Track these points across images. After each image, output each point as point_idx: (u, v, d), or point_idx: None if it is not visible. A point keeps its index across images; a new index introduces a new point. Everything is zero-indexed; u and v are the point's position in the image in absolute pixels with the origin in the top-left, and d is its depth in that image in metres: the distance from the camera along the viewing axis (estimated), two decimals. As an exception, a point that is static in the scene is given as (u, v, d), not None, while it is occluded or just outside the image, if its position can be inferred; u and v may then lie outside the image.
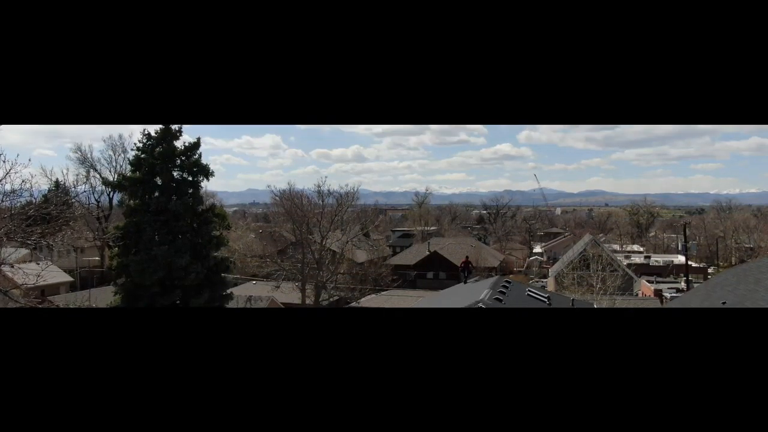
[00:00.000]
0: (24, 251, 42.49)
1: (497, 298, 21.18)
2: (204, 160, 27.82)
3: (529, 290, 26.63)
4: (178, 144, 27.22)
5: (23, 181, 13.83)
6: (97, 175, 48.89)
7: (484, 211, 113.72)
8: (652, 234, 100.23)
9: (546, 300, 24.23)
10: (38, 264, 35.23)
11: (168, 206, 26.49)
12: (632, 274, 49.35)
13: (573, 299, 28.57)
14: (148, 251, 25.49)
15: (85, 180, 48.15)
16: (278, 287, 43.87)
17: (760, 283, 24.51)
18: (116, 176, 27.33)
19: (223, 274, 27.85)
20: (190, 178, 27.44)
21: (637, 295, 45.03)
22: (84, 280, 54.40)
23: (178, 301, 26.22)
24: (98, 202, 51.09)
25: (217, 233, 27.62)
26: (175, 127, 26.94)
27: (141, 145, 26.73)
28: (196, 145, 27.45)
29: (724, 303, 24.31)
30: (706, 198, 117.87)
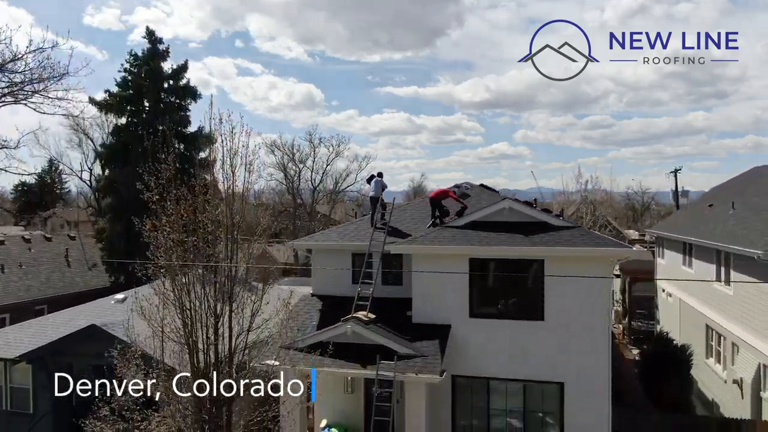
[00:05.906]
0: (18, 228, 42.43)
1: (483, 185, 21.25)
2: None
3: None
4: (166, 66, 27.26)
5: None
6: (90, 142, 48.85)
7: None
8: (648, 223, 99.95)
9: (533, 204, 24.25)
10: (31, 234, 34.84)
11: (155, 125, 26.46)
12: (623, 232, 49.34)
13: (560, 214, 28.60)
14: (135, 167, 25.40)
15: (77, 146, 48.07)
16: (271, 245, 43.78)
17: (747, 188, 24.65)
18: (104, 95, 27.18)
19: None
20: (178, 101, 27.45)
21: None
22: (77, 251, 54.24)
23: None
24: (91, 169, 51.08)
25: (204, 155, 27.55)
26: (161, 47, 27.01)
27: (127, 65, 26.76)
28: (183, 67, 27.47)
29: (710, 205, 24.42)
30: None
